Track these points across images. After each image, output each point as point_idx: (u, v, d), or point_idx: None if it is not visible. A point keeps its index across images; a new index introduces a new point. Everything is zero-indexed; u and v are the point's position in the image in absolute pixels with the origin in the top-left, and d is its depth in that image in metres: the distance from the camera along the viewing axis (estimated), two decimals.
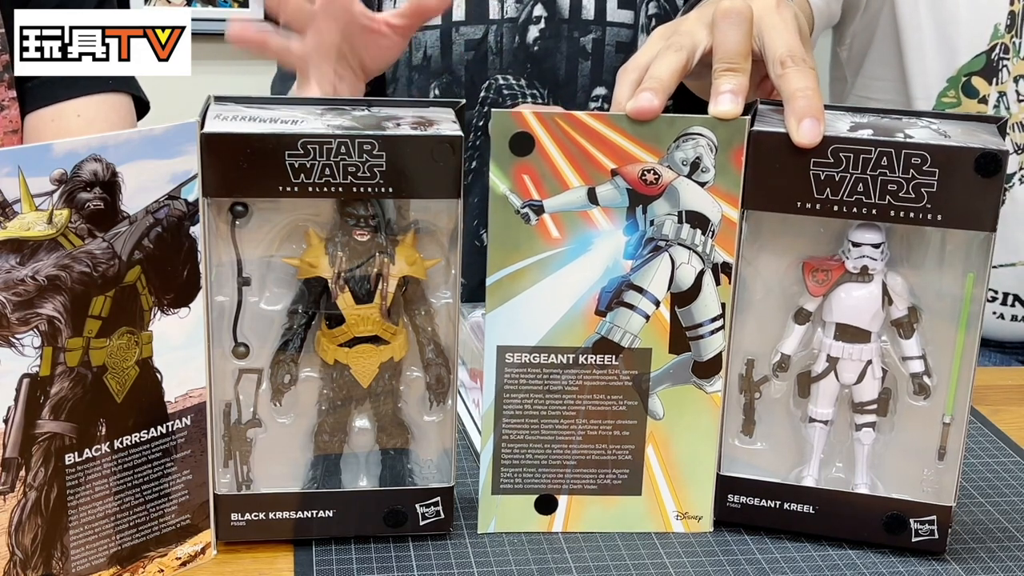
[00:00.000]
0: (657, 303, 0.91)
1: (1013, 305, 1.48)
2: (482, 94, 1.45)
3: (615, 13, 1.45)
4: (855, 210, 0.86)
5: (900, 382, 0.92)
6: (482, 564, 0.90)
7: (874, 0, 1.49)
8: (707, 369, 0.92)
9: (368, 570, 0.88)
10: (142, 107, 1.36)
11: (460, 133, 0.85)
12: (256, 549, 0.91)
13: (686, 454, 0.94)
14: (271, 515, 0.91)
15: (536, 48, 1.46)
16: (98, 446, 0.82)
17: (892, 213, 0.86)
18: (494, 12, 1.46)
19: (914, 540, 0.92)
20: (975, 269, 0.88)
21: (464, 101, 0.90)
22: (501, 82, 1.45)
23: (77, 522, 0.82)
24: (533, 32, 1.45)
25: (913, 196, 0.85)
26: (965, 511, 0.99)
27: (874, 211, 0.86)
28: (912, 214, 0.86)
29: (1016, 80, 1.43)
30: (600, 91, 1.47)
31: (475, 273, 0.90)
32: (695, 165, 0.87)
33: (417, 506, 0.92)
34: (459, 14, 1.45)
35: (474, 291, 1.01)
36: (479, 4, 1.45)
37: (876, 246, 0.89)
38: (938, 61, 1.45)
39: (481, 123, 1.42)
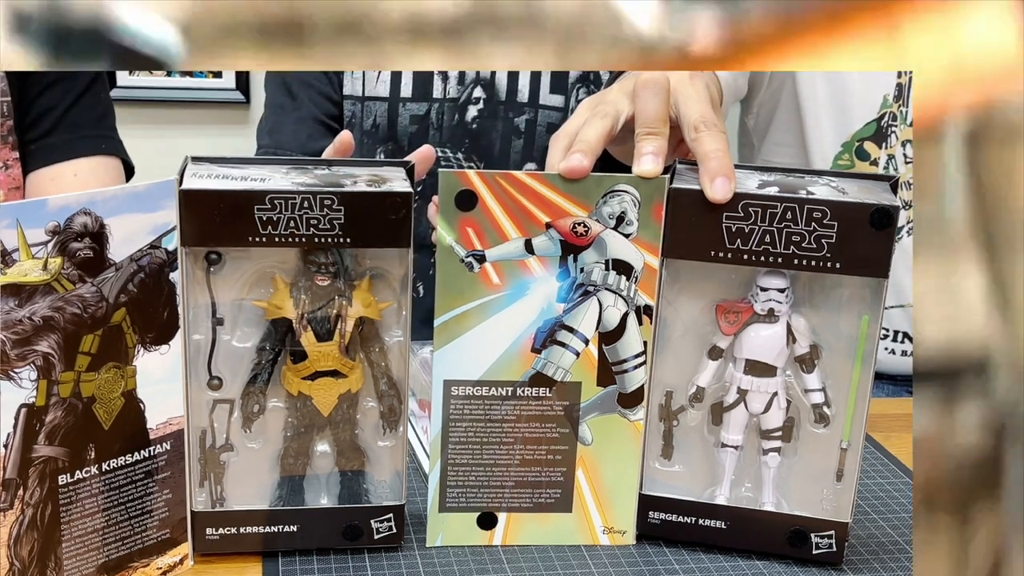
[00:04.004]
0: (586, 341, 0.92)
1: (903, 341, 1.51)
2: None
3: (547, 97, 1.49)
4: (763, 259, 0.88)
5: (802, 412, 0.94)
6: (430, 575, 0.92)
7: (776, 75, 1.52)
8: (631, 400, 0.94)
9: None
10: (129, 170, 1.39)
11: (410, 189, 0.85)
12: (229, 560, 0.93)
13: (612, 475, 0.96)
14: (242, 530, 0.92)
15: (474, 126, 1.48)
16: (88, 468, 0.83)
17: (796, 261, 0.88)
18: (437, 92, 1.48)
19: (815, 552, 0.94)
20: (869, 311, 0.90)
21: (414, 162, 0.91)
22: (440, 154, 1.47)
23: (69, 536, 0.83)
24: (472, 111, 1.48)
25: (815, 246, 0.87)
26: (860, 526, 1.01)
27: (780, 259, 0.88)
28: (814, 262, 0.88)
29: (903, 144, 1.47)
30: (531, 167, 1.49)
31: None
32: (620, 218, 0.90)
33: (372, 522, 0.94)
34: (406, 91, 1.47)
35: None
36: (424, 84, 1.47)
37: (781, 291, 0.91)
38: (833, 128, 1.49)
39: (419, 188, 1.45)
